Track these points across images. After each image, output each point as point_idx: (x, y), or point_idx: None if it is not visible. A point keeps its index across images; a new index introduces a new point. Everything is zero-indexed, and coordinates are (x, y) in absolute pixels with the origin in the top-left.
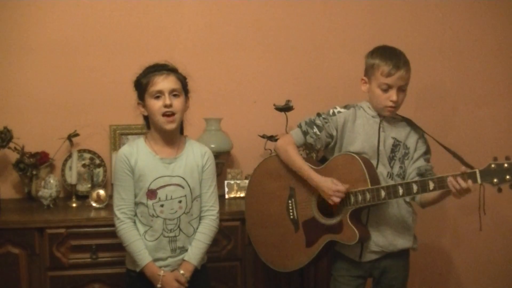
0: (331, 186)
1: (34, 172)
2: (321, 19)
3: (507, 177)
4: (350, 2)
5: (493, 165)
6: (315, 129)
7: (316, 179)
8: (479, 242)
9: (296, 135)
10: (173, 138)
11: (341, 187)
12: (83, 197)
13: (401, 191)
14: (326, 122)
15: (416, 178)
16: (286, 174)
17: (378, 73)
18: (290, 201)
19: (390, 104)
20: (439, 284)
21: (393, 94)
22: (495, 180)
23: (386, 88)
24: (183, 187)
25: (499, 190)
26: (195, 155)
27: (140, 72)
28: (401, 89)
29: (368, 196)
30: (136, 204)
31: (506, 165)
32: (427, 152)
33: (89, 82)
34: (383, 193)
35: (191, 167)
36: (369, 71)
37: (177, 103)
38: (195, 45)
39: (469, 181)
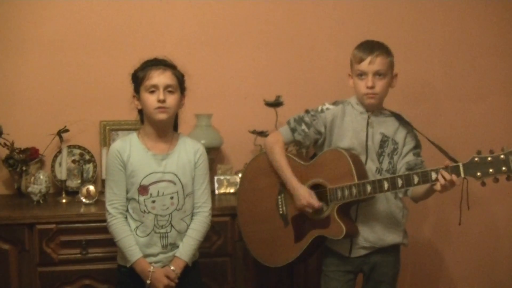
0: (307, 197)
1: (24, 168)
2: (311, 15)
3: (491, 170)
4: None
5: (476, 159)
6: (304, 126)
7: (294, 184)
8: (471, 238)
9: (285, 132)
10: (165, 133)
11: (316, 202)
12: (73, 193)
13: (386, 185)
14: (314, 119)
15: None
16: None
17: (354, 62)
18: (279, 197)
19: (367, 91)
20: (430, 280)
21: (368, 80)
22: (478, 173)
23: (361, 74)
24: (175, 184)
25: (483, 184)
26: (188, 152)
27: (139, 66)
28: (377, 74)
29: (354, 191)
30: (128, 199)
31: (489, 158)
32: (417, 146)
33: (79, 78)
34: (369, 188)
35: (184, 164)
36: (350, 65)
37: (171, 99)
38: (186, 41)
39: (453, 175)
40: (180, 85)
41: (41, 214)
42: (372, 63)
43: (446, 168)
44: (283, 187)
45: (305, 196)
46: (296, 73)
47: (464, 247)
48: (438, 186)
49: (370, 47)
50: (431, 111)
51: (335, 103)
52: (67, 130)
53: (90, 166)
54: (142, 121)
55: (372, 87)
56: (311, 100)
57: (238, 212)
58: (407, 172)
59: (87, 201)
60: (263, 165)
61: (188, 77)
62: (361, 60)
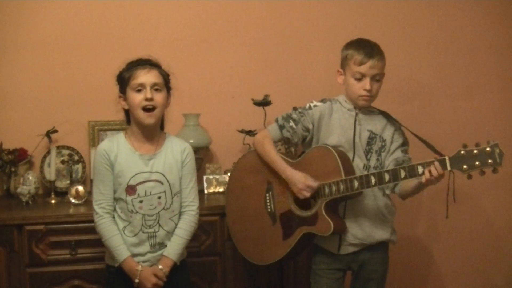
0: (303, 180)
1: (13, 169)
2: (299, 15)
3: (477, 163)
4: None
5: (462, 152)
6: (291, 123)
7: (288, 172)
8: (460, 235)
9: (273, 130)
10: (153, 133)
11: (313, 183)
12: (62, 194)
13: (373, 180)
14: (302, 116)
15: None
16: (264, 168)
17: (352, 63)
18: (267, 195)
19: (364, 93)
20: (419, 277)
21: (366, 83)
22: (464, 166)
23: (360, 77)
24: (162, 183)
25: (469, 177)
26: (175, 151)
27: (123, 67)
28: (375, 79)
29: (341, 186)
30: (116, 199)
31: (475, 151)
32: (405, 143)
33: (67, 78)
34: (356, 183)
35: (170, 163)
36: (343, 62)
37: (158, 97)
38: (173, 41)
39: (439, 169)
40: (166, 84)
41: (30, 215)
42: (373, 67)
43: (432, 162)
44: (271, 185)
45: (301, 179)
46: (284, 72)
47: (453, 244)
48: (424, 179)
49: (370, 50)
50: (420, 108)
51: (322, 101)
52: (55, 131)
53: (79, 167)
54: (128, 121)
55: (370, 90)
56: (299, 99)
57: (227, 211)
58: (393, 168)
59: (76, 202)
60: (251, 164)
61: (176, 77)
62: (361, 63)
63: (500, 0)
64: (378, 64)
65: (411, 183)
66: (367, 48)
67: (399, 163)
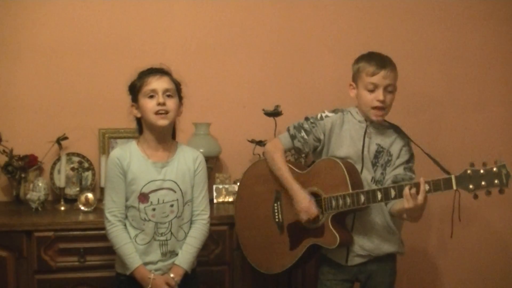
0: (306, 203)
1: (23, 175)
2: (310, 24)
3: (483, 183)
4: (340, 8)
5: (469, 171)
6: (303, 133)
7: (295, 188)
8: (466, 247)
9: (284, 139)
10: (165, 140)
11: (314, 209)
12: (72, 201)
13: (379, 196)
14: (313, 126)
15: None
16: (273, 178)
17: (364, 75)
18: (276, 204)
19: (377, 104)
20: None
21: (379, 94)
22: (471, 186)
23: (373, 88)
24: (175, 191)
25: (475, 196)
26: (187, 160)
27: (135, 77)
28: (388, 90)
29: (348, 200)
30: (127, 207)
31: (482, 171)
32: (410, 160)
33: (78, 85)
34: (362, 198)
35: (183, 172)
36: (355, 75)
37: (171, 102)
38: (184, 49)
39: (419, 195)
40: (178, 92)
41: (39, 221)
42: (385, 78)
43: (438, 180)
44: (280, 195)
45: (305, 201)
46: (295, 83)
47: (461, 258)
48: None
49: (382, 61)
50: (431, 121)
51: (334, 111)
52: (66, 138)
53: (88, 174)
54: (140, 131)
55: (383, 101)
56: (310, 110)
57: (235, 218)
58: (399, 184)
59: (86, 209)
60: (261, 172)
61: (187, 86)
62: (374, 74)
63: None
64: (391, 74)
65: (400, 204)
66: (378, 59)
67: (398, 180)
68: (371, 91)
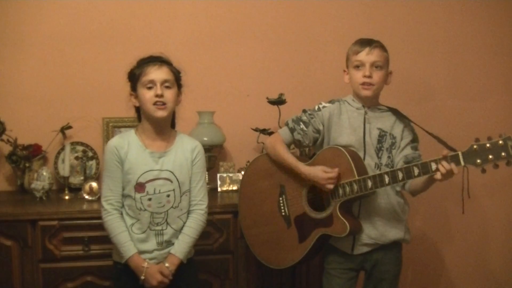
0: (323, 176)
1: (27, 165)
2: (314, 13)
3: (490, 156)
4: None
5: (475, 146)
6: (302, 125)
7: (306, 172)
8: (472, 236)
9: (284, 133)
10: (163, 130)
11: (332, 173)
12: (76, 190)
13: (387, 179)
14: (312, 118)
15: None
16: (276, 172)
17: (351, 56)
18: (281, 198)
19: (364, 80)
20: (431, 277)
21: (366, 70)
22: (478, 160)
23: (359, 65)
24: (171, 182)
25: (483, 171)
26: (185, 150)
27: (134, 64)
28: (375, 66)
29: (355, 187)
30: (124, 196)
31: (488, 145)
32: (414, 140)
33: (82, 75)
34: (369, 183)
35: (181, 162)
36: (347, 61)
37: (169, 94)
38: (188, 38)
39: (452, 164)
40: (177, 81)
41: (44, 210)
42: (370, 54)
43: (445, 158)
44: (284, 189)
45: (321, 176)
46: (299, 71)
47: (466, 244)
48: (438, 175)
49: (367, 40)
50: (433, 109)
51: (331, 101)
52: (70, 127)
53: (93, 163)
54: (139, 119)
55: (369, 76)
56: (314, 98)
57: (240, 216)
58: (406, 165)
59: (90, 198)
60: (262, 168)
61: (190, 75)
62: (358, 52)
63: None
64: (375, 50)
65: (422, 179)
66: (364, 39)
67: (409, 160)
68: (357, 67)
